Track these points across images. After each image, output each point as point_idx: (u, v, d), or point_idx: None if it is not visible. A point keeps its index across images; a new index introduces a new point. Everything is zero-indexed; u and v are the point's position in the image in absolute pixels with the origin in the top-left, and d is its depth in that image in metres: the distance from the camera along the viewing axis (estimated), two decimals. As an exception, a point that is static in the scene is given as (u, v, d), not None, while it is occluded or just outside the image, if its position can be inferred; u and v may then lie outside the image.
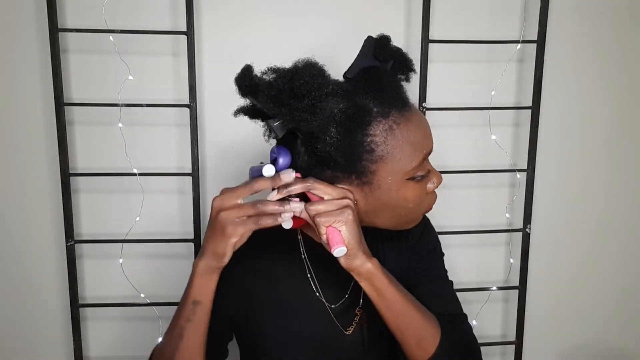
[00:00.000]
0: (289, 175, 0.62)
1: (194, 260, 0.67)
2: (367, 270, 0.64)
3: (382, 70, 0.67)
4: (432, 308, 0.72)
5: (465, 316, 0.79)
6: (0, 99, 1.10)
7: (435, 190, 0.72)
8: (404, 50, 0.71)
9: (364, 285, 0.66)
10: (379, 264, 0.66)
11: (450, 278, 0.83)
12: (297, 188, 0.62)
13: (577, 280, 1.31)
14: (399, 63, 0.70)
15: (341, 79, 0.68)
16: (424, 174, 0.67)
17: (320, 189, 0.63)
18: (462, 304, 0.79)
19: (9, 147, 1.12)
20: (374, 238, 0.80)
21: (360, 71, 0.67)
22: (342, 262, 0.64)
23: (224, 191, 0.63)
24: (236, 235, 0.62)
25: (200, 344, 0.69)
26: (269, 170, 0.62)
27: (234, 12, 1.10)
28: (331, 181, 0.65)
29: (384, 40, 0.70)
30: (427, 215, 1.11)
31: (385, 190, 0.65)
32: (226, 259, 0.64)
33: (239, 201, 0.62)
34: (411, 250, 0.82)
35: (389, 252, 0.81)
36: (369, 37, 0.69)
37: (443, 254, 0.86)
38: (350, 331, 0.77)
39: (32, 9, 1.06)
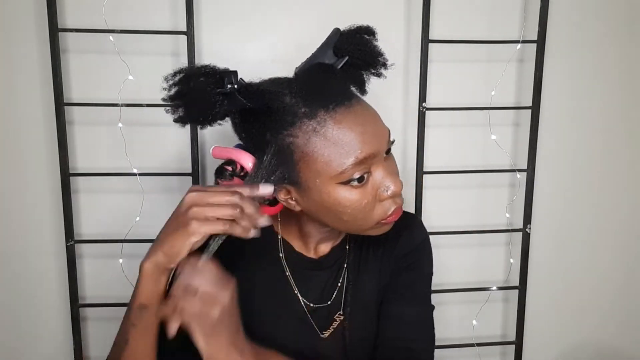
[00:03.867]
0: (268, 189, 0.62)
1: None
2: None
3: (325, 68, 0.64)
4: (399, 334, 0.71)
5: (430, 349, 0.75)
6: (0, 99, 1.10)
7: (398, 199, 0.65)
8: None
9: None
10: None
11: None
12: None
13: (577, 280, 1.31)
14: (360, 58, 0.65)
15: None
16: (358, 178, 0.62)
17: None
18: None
19: (9, 147, 1.12)
20: (359, 243, 0.78)
21: (307, 68, 0.65)
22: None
23: (198, 189, 0.60)
24: (199, 234, 0.57)
25: (148, 350, 0.64)
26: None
27: (234, 12, 1.10)
28: (270, 175, 0.64)
29: (352, 32, 0.66)
30: (425, 215, 1.09)
31: (316, 192, 0.63)
32: (178, 259, 0.58)
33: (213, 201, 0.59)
34: (395, 263, 0.78)
35: (371, 259, 0.78)
36: (335, 30, 0.67)
37: (432, 273, 0.81)
38: (327, 335, 0.74)
39: (32, 9, 1.06)
